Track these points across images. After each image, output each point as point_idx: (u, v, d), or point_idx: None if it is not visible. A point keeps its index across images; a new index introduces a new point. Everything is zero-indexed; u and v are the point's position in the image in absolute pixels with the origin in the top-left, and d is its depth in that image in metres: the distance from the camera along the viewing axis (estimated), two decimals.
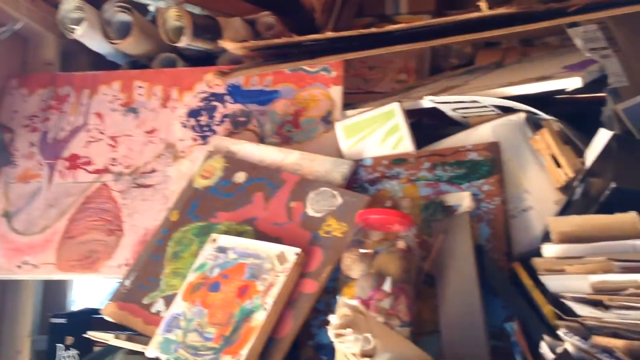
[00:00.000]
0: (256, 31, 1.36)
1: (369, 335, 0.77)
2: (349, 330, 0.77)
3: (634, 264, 0.76)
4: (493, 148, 1.05)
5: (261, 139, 1.22)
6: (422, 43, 0.93)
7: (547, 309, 0.89)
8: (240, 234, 1.08)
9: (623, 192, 0.81)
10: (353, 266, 0.96)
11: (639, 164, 0.87)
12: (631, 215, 0.77)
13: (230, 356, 0.93)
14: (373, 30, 0.91)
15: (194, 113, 1.27)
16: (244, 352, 0.93)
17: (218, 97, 1.27)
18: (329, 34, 0.94)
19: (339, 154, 1.16)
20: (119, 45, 1.33)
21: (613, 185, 0.81)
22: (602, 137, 0.90)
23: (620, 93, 0.96)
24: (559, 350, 0.78)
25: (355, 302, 0.80)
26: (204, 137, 1.24)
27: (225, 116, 1.25)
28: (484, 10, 0.84)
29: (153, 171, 1.24)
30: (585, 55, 0.99)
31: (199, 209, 1.13)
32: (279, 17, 1.36)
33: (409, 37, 0.99)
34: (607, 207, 0.81)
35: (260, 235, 1.06)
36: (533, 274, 0.89)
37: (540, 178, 1.03)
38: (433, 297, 0.97)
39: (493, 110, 1.09)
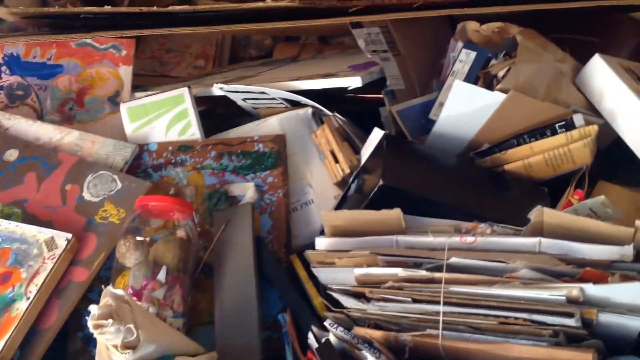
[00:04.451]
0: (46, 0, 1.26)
1: (131, 326, 0.74)
2: (109, 321, 0.73)
3: (395, 258, 0.80)
4: (279, 140, 1.06)
5: (40, 116, 1.14)
6: (203, 28, 0.91)
7: (318, 301, 0.91)
8: (7, 216, 0.99)
9: (389, 190, 0.85)
10: (127, 254, 0.92)
11: (407, 163, 0.92)
12: (395, 212, 0.81)
13: None
14: (154, 9, 0.88)
15: None
16: (1, 343, 0.86)
17: None
18: (107, 9, 0.90)
19: (125, 137, 1.12)
20: None
21: (380, 182, 0.84)
22: (375, 136, 0.94)
23: (397, 95, 1.01)
24: (323, 340, 0.80)
25: (120, 292, 0.77)
26: None
27: (0, 88, 1.15)
28: (268, 1, 0.84)
29: None
30: (368, 56, 1.03)
31: None
32: None
33: (200, 21, 0.97)
34: (376, 203, 0.85)
35: (30, 219, 0.99)
36: (308, 266, 0.91)
37: (322, 172, 1.06)
38: (211, 288, 0.96)
39: (282, 103, 1.10)
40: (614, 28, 1.07)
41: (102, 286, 0.87)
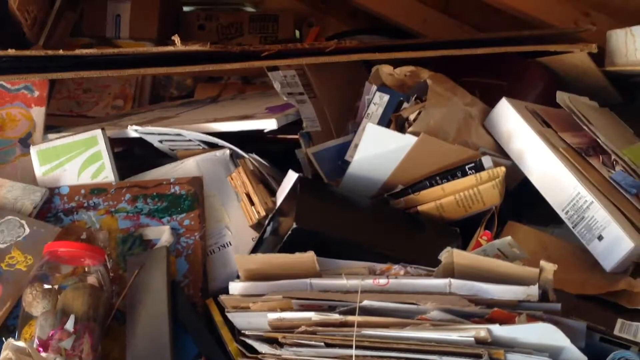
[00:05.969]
0: None
1: None
2: None
3: (309, 302, 0.80)
4: (195, 182, 1.05)
5: None
6: (111, 71, 0.90)
7: (233, 347, 0.89)
8: None
9: (303, 232, 0.85)
10: (34, 303, 0.89)
11: (321, 205, 0.92)
12: (309, 255, 0.81)
13: None
14: (60, 52, 0.86)
15: None
16: None
17: None
18: (11, 52, 0.88)
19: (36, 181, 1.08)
20: None
21: (294, 225, 0.84)
22: (290, 178, 0.94)
23: (313, 137, 1.02)
24: None
25: (21, 344, 0.73)
26: None
27: None
28: (178, 45, 0.84)
29: None
30: (284, 98, 1.04)
31: None
32: None
33: (112, 63, 0.95)
34: (290, 246, 0.84)
35: None
36: (224, 310, 0.89)
37: (240, 215, 1.05)
38: (124, 336, 0.93)
39: (199, 145, 1.09)
40: (521, 72, 1.10)
41: (3, 338, 0.84)
